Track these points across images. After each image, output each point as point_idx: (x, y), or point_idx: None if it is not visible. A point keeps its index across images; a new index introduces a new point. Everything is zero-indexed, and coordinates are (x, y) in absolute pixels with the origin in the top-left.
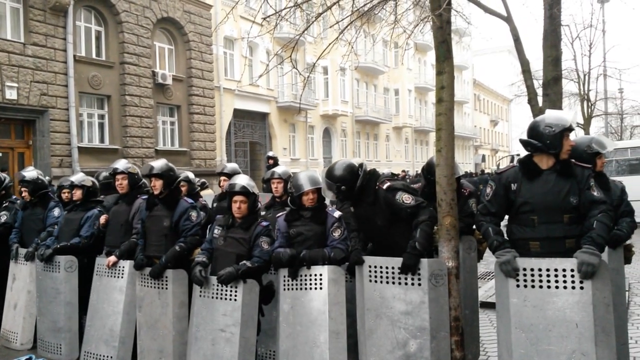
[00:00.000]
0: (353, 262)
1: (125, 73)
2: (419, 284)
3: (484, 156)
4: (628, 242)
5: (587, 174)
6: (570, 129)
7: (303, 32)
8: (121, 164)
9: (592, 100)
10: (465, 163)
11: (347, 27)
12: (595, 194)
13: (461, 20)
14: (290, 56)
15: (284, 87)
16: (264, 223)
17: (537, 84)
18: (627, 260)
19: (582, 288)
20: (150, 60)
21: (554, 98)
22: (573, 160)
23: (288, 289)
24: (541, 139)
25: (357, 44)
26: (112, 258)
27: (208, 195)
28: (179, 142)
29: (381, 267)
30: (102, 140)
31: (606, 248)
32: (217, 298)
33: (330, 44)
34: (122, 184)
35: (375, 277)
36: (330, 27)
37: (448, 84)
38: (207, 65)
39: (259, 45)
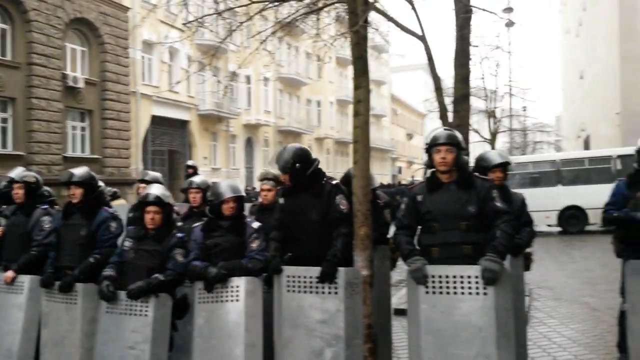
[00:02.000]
0: (272, 271)
1: (33, 74)
2: (336, 293)
3: (400, 168)
4: (528, 250)
5: (487, 186)
6: (435, 144)
7: (224, 40)
8: (16, 173)
9: (498, 117)
10: (383, 174)
11: (268, 37)
12: (498, 204)
13: (381, 37)
14: (210, 63)
15: (205, 95)
16: (179, 234)
17: (449, 101)
18: (527, 267)
19: (485, 294)
20: (61, 62)
21: (463, 114)
22: (476, 173)
23: (203, 302)
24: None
25: (281, 55)
26: (10, 273)
27: (120, 206)
28: (90, 148)
29: (299, 277)
30: (4, 145)
31: (508, 256)
32: (126, 314)
33: (250, 53)
34: (18, 193)
35: (294, 286)
36: (253, 36)
37: (364, 98)
38: (123, 69)
39: (179, 51)
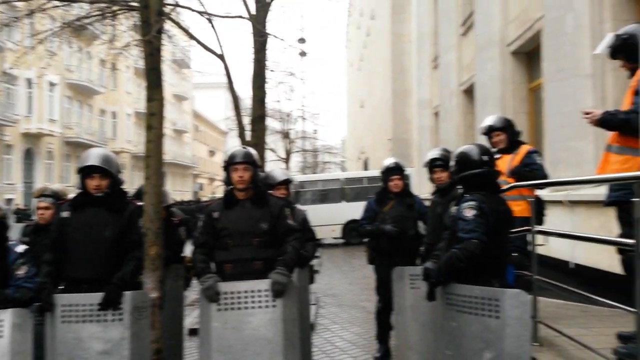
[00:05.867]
0: (44, 306)
1: None
2: (120, 319)
3: (201, 185)
4: (312, 263)
5: (280, 204)
6: (232, 162)
7: None
8: None
9: (292, 138)
10: (184, 191)
11: (48, 36)
12: (290, 222)
13: (180, 52)
14: None
15: None
16: None
17: (247, 120)
18: (311, 280)
19: (274, 306)
20: None
21: (259, 134)
22: (270, 191)
23: None
24: None
25: (71, 59)
26: None
27: None
28: None
29: (77, 305)
30: None
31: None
32: None
33: (24, 53)
34: None
35: (70, 316)
36: (34, 35)
37: (158, 112)
38: None
39: None
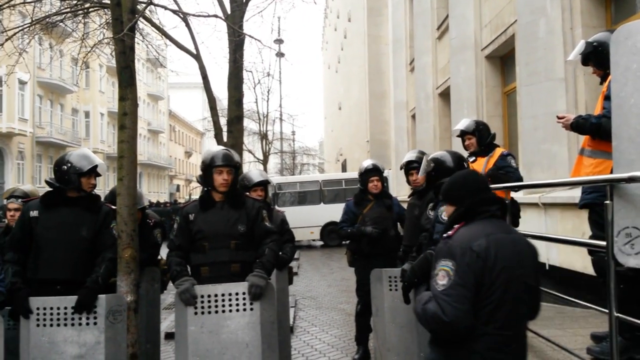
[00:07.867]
0: (19, 310)
1: None
2: (95, 323)
3: (178, 186)
4: (290, 265)
5: (257, 206)
6: (214, 165)
7: None
8: None
9: (270, 139)
10: (160, 192)
11: (16, 33)
12: (267, 224)
13: (155, 51)
14: None
15: None
16: None
17: (224, 121)
18: (290, 282)
19: (252, 309)
20: None
21: (236, 135)
22: (247, 193)
23: None
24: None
25: (42, 58)
26: None
27: None
28: None
29: (52, 309)
30: None
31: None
32: None
33: None
34: None
35: (44, 320)
36: (2, 32)
37: (131, 111)
38: None
39: None
